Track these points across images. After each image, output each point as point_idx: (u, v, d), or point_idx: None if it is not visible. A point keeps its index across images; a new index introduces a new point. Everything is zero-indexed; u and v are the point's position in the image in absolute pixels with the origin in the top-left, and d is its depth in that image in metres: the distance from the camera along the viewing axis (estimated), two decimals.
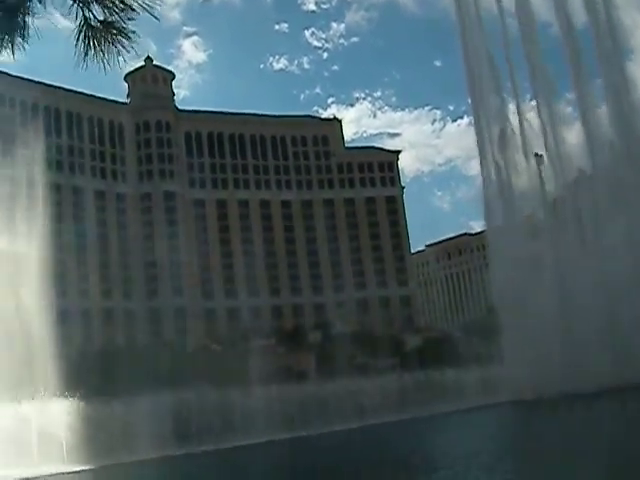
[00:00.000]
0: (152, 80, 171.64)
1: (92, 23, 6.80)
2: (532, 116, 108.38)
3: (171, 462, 60.24)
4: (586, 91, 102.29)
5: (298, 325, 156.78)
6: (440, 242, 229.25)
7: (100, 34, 6.82)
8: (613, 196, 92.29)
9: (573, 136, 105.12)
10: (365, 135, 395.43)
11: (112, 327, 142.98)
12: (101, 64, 6.97)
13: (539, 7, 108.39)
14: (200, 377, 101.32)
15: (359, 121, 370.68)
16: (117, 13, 6.61)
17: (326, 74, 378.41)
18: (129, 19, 6.77)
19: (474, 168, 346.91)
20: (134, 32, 6.88)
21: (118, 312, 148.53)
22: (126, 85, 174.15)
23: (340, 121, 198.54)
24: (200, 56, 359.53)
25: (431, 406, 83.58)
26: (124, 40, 6.90)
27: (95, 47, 6.85)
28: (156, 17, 6.75)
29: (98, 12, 6.75)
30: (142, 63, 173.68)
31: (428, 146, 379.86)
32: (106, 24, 6.76)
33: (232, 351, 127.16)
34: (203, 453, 62.85)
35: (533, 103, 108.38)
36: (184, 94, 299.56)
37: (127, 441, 66.60)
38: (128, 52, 7.00)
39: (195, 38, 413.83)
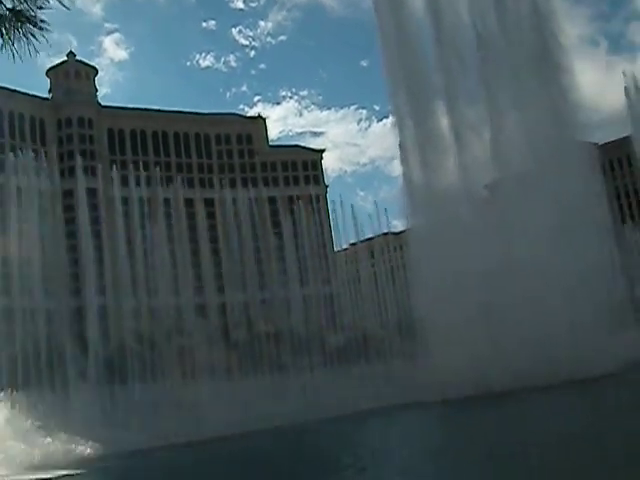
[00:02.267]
0: (75, 76, 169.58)
1: (0, 12, 6.72)
2: (453, 117, 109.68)
3: None
4: (495, 95, 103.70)
5: (222, 324, 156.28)
6: (363, 241, 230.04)
7: (9, 23, 6.74)
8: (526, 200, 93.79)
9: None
10: (291, 134, 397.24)
11: (34, 326, 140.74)
12: (11, 54, 6.88)
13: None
14: (118, 377, 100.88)
15: (285, 120, 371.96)
16: (25, 1, 6.54)
17: (253, 72, 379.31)
18: (39, 8, 6.71)
19: (396, 169, 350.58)
20: (44, 21, 6.82)
21: (40, 311, 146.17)
22: (48, 80, 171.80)
23: (264, 119, 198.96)
24: (122, 53, 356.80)
25: (353, 404, 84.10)
26: (35, 30, 6.83)
27: (4, 36, 6.77)
28: (66, 6, 6.70)
29: (6, 0, 6.67)
30: (64, 58, 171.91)
31: (352, 146, 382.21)
32: (15, 12, 6.68)
33: (152, 350, 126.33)
34: None
35: (456, 104, 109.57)
36: (105, 92, 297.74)
37: None
38: (39, 42, 6.93)
39: (117, 35, 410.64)
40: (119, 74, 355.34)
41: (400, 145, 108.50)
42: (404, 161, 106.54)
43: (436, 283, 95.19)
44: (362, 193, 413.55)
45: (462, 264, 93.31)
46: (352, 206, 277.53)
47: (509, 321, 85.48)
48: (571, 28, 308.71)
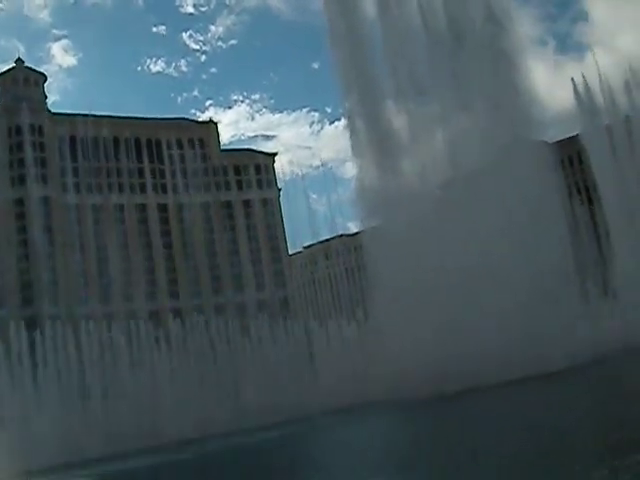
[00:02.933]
0: (24, 82, 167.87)
1: None
2: (405, 118, 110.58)
3: None
4: (447, 95, 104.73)
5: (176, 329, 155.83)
6: (318, 243, 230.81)
7: None
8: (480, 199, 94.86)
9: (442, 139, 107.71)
10: (243, 138, 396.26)
11: None
12: None
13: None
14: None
15: (237, 124, 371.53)
16: None
17: (204, 77, 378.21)
18: None
19: (349, 171, 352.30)
20: None
21: None
22: None
23: (216, 123, 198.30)
24: (70, 60, 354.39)
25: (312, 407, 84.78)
26: None
27: None
28: None
29: None
30: (12, 65, 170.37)
31: (304, 149, 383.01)
32: None
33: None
34: None
35: (409, 105, 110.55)
36: (54, 99, 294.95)
37: None
38: None
39: (65, 42, 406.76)
40: (68, 80, 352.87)
41: (352, 147, 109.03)
42: (357, 163, 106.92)
43: (392, 284, 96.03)
44: (315, 196, 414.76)
45: (416, 265, 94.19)
46: (307, 208, 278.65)
47: (465, 324, 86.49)
48: (520, 28, 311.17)
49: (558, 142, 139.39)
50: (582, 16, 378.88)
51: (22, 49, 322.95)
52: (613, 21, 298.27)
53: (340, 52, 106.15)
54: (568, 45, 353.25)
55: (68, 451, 76.45)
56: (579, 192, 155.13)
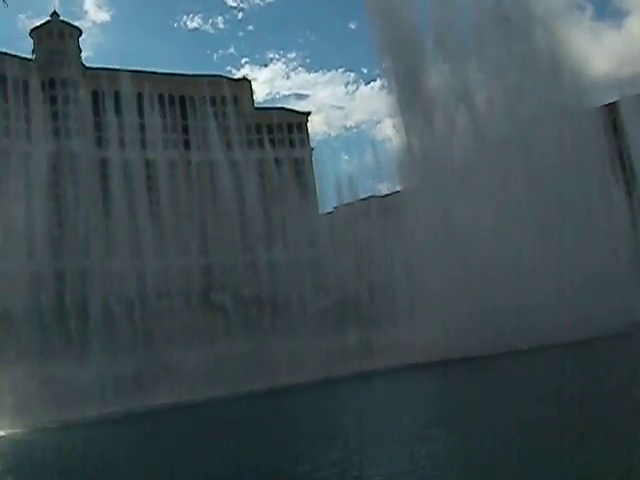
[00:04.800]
0: (58, 36, 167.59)
1: None
2: (444, 80, 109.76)
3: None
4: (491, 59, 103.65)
5: (205, 286, 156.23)
6: (348, 204, 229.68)
7: None
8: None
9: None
10: (277, 96, 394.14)
11: (15, 289, 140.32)
12: None
13: None
14: (106, 340, 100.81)
15: (272, 82, 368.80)
16: None
17: (241, 34, 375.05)
18: None
19: (382, 133, 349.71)
20: None
21: (24, 273, 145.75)
22: (31, 41, 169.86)
23: (250, 81, 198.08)
24: (103, 16, 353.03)
25: (343, 367, 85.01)
26: None
27: None
28: None
29: None
30: (48, 19, 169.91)
31: (337, 109, 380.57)
32: None
33: (137, 312, 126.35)
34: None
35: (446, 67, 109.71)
36: (87, 54, 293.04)
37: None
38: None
39: None
40: (101, 37, 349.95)
41: (394, 108, 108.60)
42: (397, 124, 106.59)
43: (425, 245, 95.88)
44: (346, 157, 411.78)
45: (450, 227, 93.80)
46: (336, 170, 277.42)
47: (491, 287, 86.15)
48: None
49: (596, 109, 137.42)
50: None
51: (56, 4, 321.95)
52: None
53: (379, 12, 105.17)
54: (607, 12, 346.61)
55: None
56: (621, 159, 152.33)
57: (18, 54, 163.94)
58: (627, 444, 24.72)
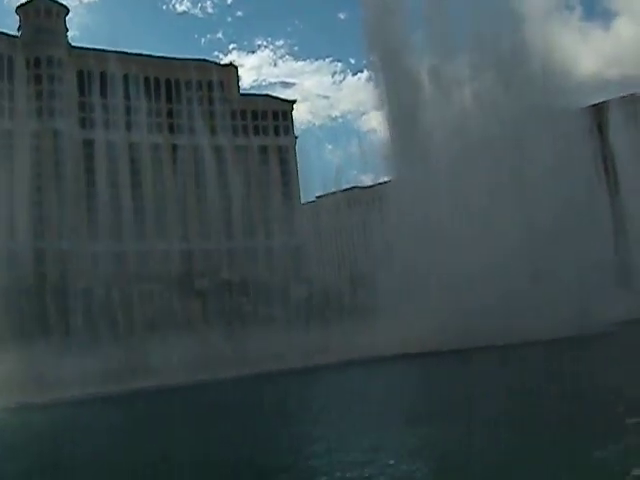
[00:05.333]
0: (45, 14, 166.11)
1: None
2: (432, 75, 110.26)
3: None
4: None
5: (186, 271, 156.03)
6: (331, 194, 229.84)
7: None
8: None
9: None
10: (264, 83, 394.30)
11: None
12: None
13: None
14: (86, 321, 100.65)
15: (259, 69, 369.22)
16: None
17: (229, 19, 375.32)
18: None
19: (367, 124, 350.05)
20: None
21: (3, 252, 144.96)
22: (17, 18, 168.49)
23: (237, 67, 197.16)
24: None
25: (320, 357, 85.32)
26: None
27: None
28: None
29: None
30: None
31: (323, 98, 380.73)
32: None
33: (116, 295, 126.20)
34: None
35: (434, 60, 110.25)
36: (73, 34, 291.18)
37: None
38: None
39: None
40: (88, 16, 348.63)
41: (378, 100, 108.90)
42: (384, 115, 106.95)
43: (407, 238, 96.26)
44: (330, 146, 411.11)
45: (432, 222, 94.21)
46: (320, 159, 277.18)
47: (470, 283, 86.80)
48: None
49: (582, 109, 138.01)
50: None
51: None
52: None
53: (372, 5, 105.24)
54: (595, 12, 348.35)
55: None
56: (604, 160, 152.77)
57: (4, 31, 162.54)
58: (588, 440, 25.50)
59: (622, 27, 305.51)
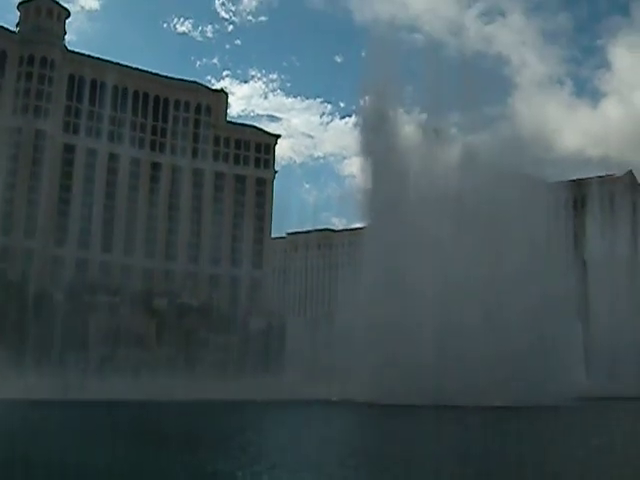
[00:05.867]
0: (46, 14, 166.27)
1: None
2: (416, 127, 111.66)
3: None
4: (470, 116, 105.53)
5: (146, 288, 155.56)
6: (302, 232, 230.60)
7: None
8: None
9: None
10: (252, 114, 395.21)
11: None
12: None
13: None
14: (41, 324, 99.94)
15: (250, 99, 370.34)
16: None
17: (227, 46, 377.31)
18: None
19: (347, 169, 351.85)
20: None
21: None
22: (18, 14, 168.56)
23: (227, 94, 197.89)
24: (93, 3, 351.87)
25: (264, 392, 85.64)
26: None
27: None
28: None
29: None
30: None
31: (307, 137, 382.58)
32: None
33: (74, 303, 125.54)
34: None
35: (424, 116, 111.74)
36: (70, 38, 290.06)
37: None
38: None
39: None
40: (87, 24, 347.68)
41: (361, 145, 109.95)
42: (365, 163, 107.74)
43: (371, 287, 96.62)
44: (307, 186, 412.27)
45: (413, 270, 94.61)
46: (295, 197, 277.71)
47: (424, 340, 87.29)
48: (539, 65, 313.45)
49: (561, 183, 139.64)
50: (604, 64, 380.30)
51: None
52: (633, 75, 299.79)
53: (375, 54, 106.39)
54: (586, 90, 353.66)
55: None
56: (576, 236, 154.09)
57: (2, 24, 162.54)
58: None
59: (609, 108, 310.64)
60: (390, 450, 39.69)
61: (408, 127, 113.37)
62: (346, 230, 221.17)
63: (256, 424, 56.91)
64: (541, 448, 40.62)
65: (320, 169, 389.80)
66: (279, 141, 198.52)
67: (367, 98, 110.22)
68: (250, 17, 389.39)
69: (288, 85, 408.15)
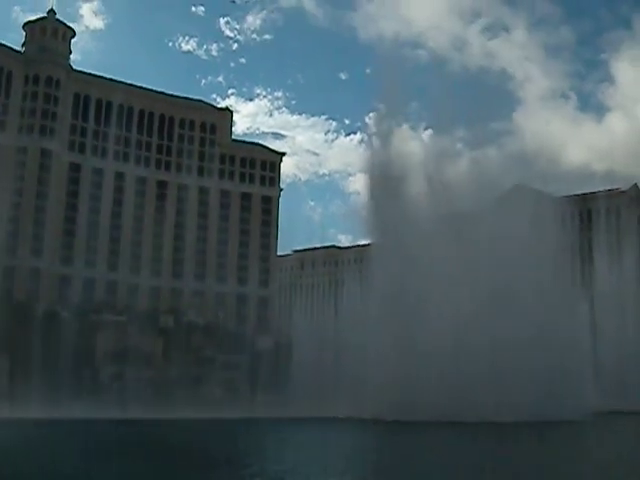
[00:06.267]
0: (52, 34, 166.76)
1: None
2: (422, 144, 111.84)
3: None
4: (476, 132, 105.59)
5: (152, 307, 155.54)
6: (308, 250, 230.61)
7: None
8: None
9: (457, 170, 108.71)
10: (257, 132, 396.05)
11: None
12: None
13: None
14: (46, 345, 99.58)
15: (255, 117, 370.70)
16: None
17: (232, 64, 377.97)
18: None
19: (352, 185, 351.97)
20: None
21: None
22: (23, 34, 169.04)
23: (231, 112, 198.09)
24: (98, 23, 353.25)
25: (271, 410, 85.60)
26: None
27: None
28: None
29: None
30: (44, 14, 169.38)
31: (312, 154, 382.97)
32: None
33: (81, 322, 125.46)
34: None
35: (429, 132, 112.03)
36: (74, 58, 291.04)
37: None
38: None
39: (96, 3, 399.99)
40: (92, 43, 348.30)
41: (368, 161, 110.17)
42: (373, 180, 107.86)
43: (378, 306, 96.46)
44: (312, 203, 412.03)
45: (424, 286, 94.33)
46: (299, 214, 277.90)
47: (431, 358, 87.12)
48: (543, 79, 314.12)
49: (566, 197, 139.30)
50: (608, 78, 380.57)
51: (53, 2, 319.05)
52: (637, 89, 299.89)
53: (381, 72, 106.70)
54: (590, 104, 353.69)
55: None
56: (581, 250, 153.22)
57: (7, 44, 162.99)
58: None
59: (614, 122, 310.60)
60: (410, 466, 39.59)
61: (414, 143, 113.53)
62: (352, 247, 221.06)
63: (272, 442, 57.07)
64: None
65: (325, 186, 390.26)
66: (284, 159, 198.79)
67: (372, 115, 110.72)
68: (255, 35, 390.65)
69: (293, 103, 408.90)
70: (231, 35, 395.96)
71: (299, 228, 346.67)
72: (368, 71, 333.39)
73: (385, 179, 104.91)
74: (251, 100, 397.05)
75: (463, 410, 77.50)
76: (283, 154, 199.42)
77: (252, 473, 35.60)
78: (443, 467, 39.45)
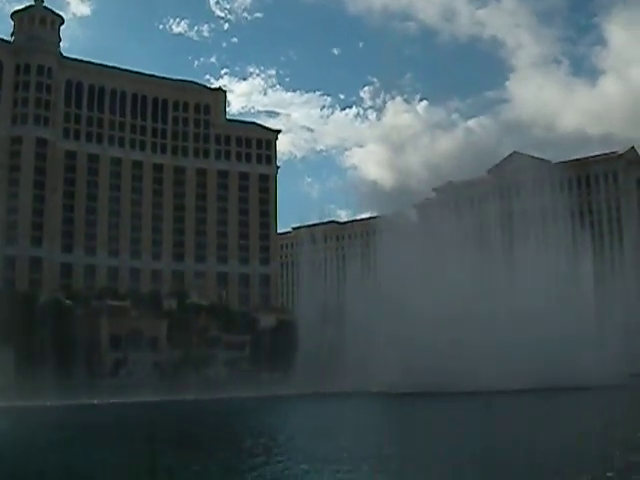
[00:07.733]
0: (40, 22, 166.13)
1: None
2: (419, 116, 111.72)
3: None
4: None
5: (155, 290, 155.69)
6: (308, 226, 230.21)
7: None
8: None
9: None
10: (252, 111, 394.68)
11: None
12: None
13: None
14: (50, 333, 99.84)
15: (249, 96, 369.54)
16: None
17: (224, 45, 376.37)
18: None
19: (348, 160, 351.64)
20: None
21: None
22: (12, 23, 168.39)
23: (225, 92, 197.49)
24: (84, 9, 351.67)
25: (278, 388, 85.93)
26: None
27: None
28: None
29: None
30: (32, 3, 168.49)
31: (308, 131, 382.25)
32: None
33: (84, 308, 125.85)
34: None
35: (424, 103, 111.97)
36: (63, 45, 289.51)
37: None
38: None
39: None
40: (79, 30, 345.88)
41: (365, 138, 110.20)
42: (366, 155, 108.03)
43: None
44: (309, 179, 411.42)
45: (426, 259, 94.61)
46: (297, 191, 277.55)
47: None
48: (535, 46, 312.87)
49: (563, 162, 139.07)
50: (600, 42, 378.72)
51: None
52: (630, 51, 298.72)
53: (377, 45, 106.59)
54: (583, 68, 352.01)
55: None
56: (582, 215, 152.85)
57: None
58: None
59: (608, 85, 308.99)
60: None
61: (408, 115, 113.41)
62: (352, 221, 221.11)
63: (292, 418, 57.67)
64: None
65: (322, 162, 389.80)
66: (280, 136, 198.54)
67: (367, 89, 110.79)
68: (245, 14, 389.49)
69: (287, 80, 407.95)
70: (222, 15, 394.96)
71: (298, 205, 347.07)
72: (361, 45, 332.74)
73: (380, 154, 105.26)
74: (245, 79, 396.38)
75: (475, 380, 77.99)
76: (278, 132, 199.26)
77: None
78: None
